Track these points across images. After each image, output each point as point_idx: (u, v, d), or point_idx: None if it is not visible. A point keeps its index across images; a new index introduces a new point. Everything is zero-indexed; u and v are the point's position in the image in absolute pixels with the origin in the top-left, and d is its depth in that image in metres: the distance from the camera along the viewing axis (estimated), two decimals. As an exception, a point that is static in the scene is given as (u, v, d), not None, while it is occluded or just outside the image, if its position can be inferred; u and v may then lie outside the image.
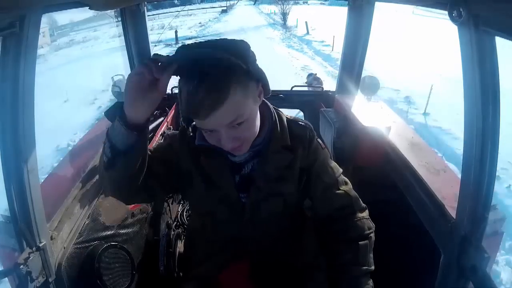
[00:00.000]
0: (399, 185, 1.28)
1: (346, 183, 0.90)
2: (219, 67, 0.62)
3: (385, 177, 1.39)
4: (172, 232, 1.26)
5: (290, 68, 8.94)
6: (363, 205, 0.90)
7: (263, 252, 0.91)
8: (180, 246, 1.24)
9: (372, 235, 0.86)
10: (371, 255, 0.84)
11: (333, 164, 0.89)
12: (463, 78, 0.73)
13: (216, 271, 0.94)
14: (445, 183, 1.09)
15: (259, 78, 0.70)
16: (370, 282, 0.83)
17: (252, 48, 0.68)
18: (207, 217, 0.91)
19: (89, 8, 1.03)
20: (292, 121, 0.85)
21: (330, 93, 2.11)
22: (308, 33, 15.02)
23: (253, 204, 0.84)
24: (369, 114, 1.60)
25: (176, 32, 14.12)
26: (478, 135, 0.72)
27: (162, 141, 0.90)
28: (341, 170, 0.90)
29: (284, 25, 17.86)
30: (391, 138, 1.46)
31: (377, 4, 1.64)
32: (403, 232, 1.25)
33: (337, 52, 9.67)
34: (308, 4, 38.45)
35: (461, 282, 0.83)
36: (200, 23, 21.56)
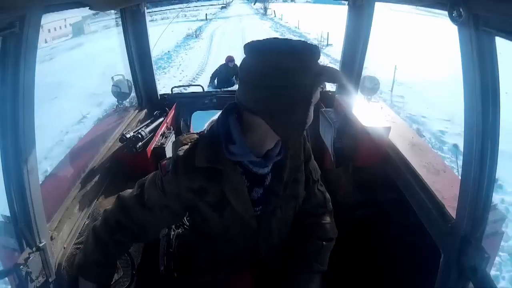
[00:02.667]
0: (399, 185, 1.28)
1: (321, 185, 0.97)
2: None
3: (385, 177, 1.39)
4: (172, 232, 1.26)
5: (260, 25, 20.59)
6: (331, 208, 0.96)
7: (272, 257, 0.91)
8: (180, 246, 1.23)
9: (334, 240, 0.92)
10: (328, 257, 0.90)
11: (316, 164, 0.96)
12: (463, 78, 0.73)
13: (226, 278, 0.93)
14: (445, 183, 1.09)
15: None
16: (320, 280, 0.87)
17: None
18: (219, 235, 0.86)
19: (89, 8, 1.03)
20: None
21: (330, 93, 2.11)
22: (275, 16, 28.15)
23: (270, 212, 0.83)
24: (369, 114, 1.60)
25: (206, 14, 26.54)
26: (478, 135, 0.72)
27: (158, 188, 0.81)
28: (319, 171, 0.97)
29: (264, 14, 31.33)
30: (391, 138, 1.45)
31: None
32: (403, 232, 1.25)
33: (285, 22, 22.94)
34: (295, 3, 46.39)
35: (461, 282, 0.83)
36: (211, 13, 32.79)
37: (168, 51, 13.05)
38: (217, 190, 0.76)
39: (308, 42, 0.69)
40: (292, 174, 0.84)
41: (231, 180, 0.76)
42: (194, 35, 16.82)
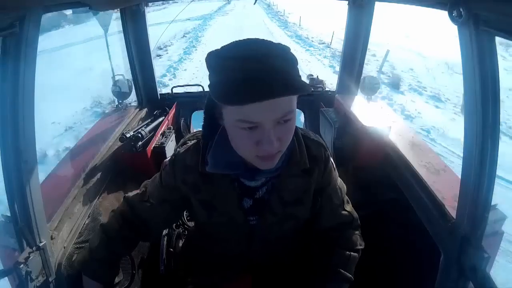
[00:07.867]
0: (399, 185, 1.28)
1: (348, 202, 0.92)
2: (286, 52, 0.56)
3: (385, 177, 1.39)
4: (173, 232, 1.26)
5: (258, 8, 29.10)
6: (359, 223, 0.92)
7: (267, 264, 0.92)
8: (180, 246, 1.24)
9: (360, 251, 0.88)
10: (354, 267, 0.87)
11: (340, 183, 0.90)
12: (463, 78, 0.73)
13: (220, 281, 0.94)
14: (445, 183, 1.09)
15: None
16: None
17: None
18: (212, 235, 0.89)
19: (89, 8, 1.03)
20: (307, 139, 0.79)
21: (330, 93, 2.11)
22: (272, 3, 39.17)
23: (267, 227, 0.81)
24: (369, 114, 1.60)
25: (230, -2, 36.56)
26: (478, 135, 0.72)
27: (157, 182, 0.85)
28: (345, 187, 0.91)
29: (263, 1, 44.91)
30: (391, 138, 1.46)
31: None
32: (403, 232, 1.25)
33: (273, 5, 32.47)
34: (302, -4, 53.75)
35: (461, 282, 0.83)
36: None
37: (222, 5, 30.52)
38: (207, 190, 0.77)
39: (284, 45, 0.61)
40: (294, 194, 0.79)
41: (219, 184, 0.76)
42: (228, 2, 34.73)
